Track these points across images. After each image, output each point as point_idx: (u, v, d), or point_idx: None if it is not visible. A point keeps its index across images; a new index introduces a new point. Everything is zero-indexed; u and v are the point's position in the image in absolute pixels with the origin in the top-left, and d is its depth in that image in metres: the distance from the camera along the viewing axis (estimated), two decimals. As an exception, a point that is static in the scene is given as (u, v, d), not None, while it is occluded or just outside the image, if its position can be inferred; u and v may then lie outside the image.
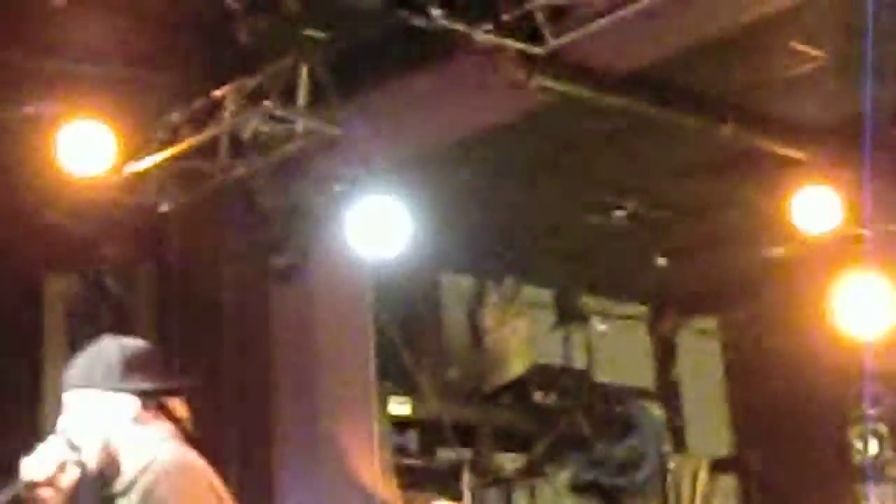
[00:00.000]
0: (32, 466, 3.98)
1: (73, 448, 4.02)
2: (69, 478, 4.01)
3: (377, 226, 7.07)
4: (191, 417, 4.62)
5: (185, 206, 7.14)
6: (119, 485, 4.09)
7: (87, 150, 6.64)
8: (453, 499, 8.01)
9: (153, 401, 4.28)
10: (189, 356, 7.70)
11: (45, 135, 6.61)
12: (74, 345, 7.86)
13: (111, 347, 4.19)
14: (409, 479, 7.89)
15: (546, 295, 9.15)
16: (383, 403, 7.73)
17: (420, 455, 8.12)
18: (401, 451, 7.97)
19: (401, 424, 8.03)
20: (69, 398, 4.07)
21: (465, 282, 8.96)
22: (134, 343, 4.31)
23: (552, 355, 8.98)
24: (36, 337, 7.69)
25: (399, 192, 7.08)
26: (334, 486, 7.12)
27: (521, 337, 8.94)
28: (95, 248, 7.53)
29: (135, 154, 6.82)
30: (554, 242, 8.86)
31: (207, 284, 7.67)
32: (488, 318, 8.93)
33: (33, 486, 3.98)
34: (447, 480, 8.12)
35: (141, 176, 6.93)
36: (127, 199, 7.05)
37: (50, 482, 3.96)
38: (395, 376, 7.93)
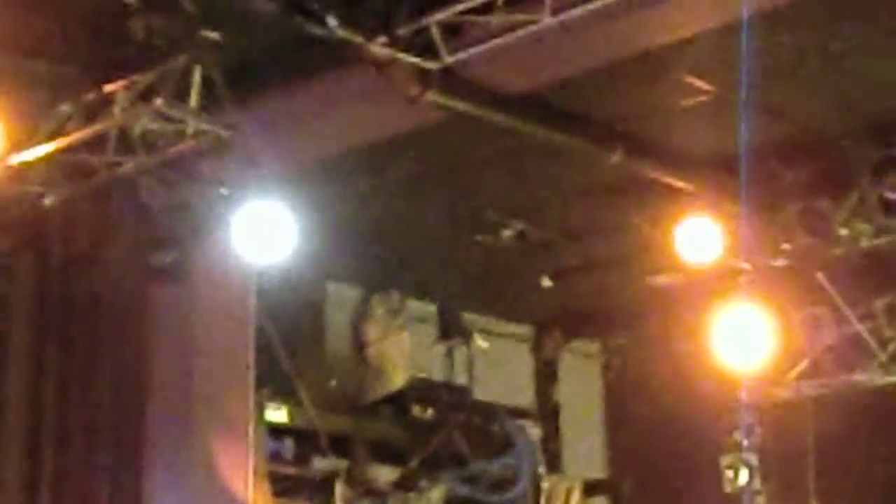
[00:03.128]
0: None
1: None
2: None
3: (263, 231, 7.04)
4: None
5: (70, 199, 7.06)
6: None
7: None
8: (326, 508, 8.01)
9: None
10: (65, 350, 7.64)
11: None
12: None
13: None
14: (283, 486, 7.87)
15: (430, 310, 9.18)
16: (260, 410, 7.70)
17: (295, 463, 8.10)
18: (275, 458, 7.94)
19: (277, 431, 7.99)
20: None
21: (351, 292, 8.96)
22: None
23: (433, 370, 9.01)
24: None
25: (288, 199, 7.06)
26: (205, 490, 7.07)
27: (403, 350, 8.97)
28: (-24, 237, 7.43)
29: (21, 144, 6.74)
30: (441, 258, 8.90)
31: (88, 280, 7.59)
32: (371, 330, 8.94)
33: None
34: (321, 490, 8.11)
35: (26, 167, 6.84)
36: (10, 190, 6.96)
37: None
38: (273, 383, 7.90)
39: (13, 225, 7.42)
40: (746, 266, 7.70)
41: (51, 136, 6.76)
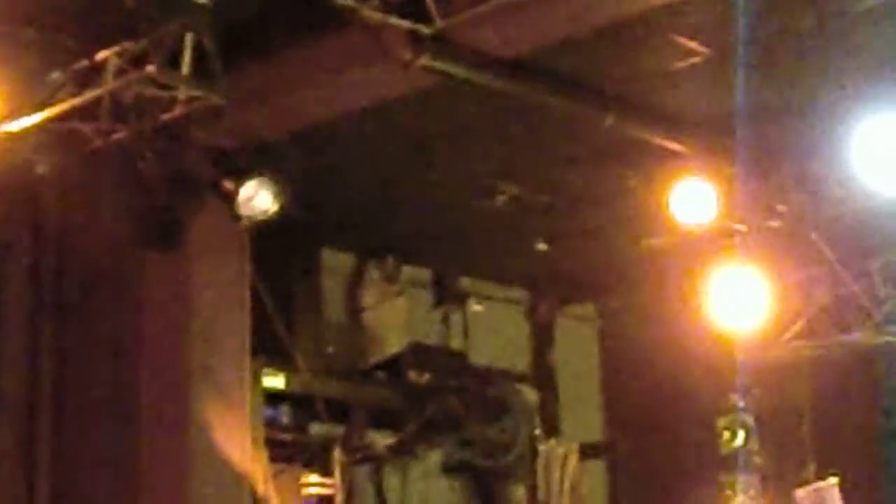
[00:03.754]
0: None
1: None
2: None
3: (258, 198, 7.05)
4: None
5: (63, 168, 7.04)
6: None
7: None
8: (323, 474, 8.02)
9: None
10: (61, 319, 7.63)
11: None
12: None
13: None
14: (280, 452, 7.89)
15: (426, 275, 9.18)
16: (257, 376, 7.69)
17: (292, 429, 8.10)
18: (272, 424, 7.95)
19: (273, 398, 7.99)
20: None
21: (346, 258, 8.95)
22: None
23: (429, 335, 9.02)
24: None
25: (281, 164, 7.06)
26: (203, 457, 7.08)
27: (399, 315, 8.97)
28: (-32, 208, 7.41)
29: (13, 113, 6.71)
30: (436, 223, 8.88)
31: (82, 248, 7.58)
32: (367, 296, 8.93)
33: None
34: (318, 455, 8.13)
35: (18, 136, 6.82)
36: (3, 159, 6.93)
37: None
38: (270, 349, 7.90)
39: (6, 194, 7.41)
40: (741, 227, 7.70)
41: (43, 105, 6.72)
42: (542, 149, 8.10)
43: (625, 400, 10.05)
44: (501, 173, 8.40)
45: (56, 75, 6.70)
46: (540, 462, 9.27)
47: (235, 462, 7.13)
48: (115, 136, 6.82)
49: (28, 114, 6.74)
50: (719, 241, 7.93)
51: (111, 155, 7.01)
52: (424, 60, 6.48)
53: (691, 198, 7.70)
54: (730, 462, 8.42)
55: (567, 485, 9.32)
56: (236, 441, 7.17)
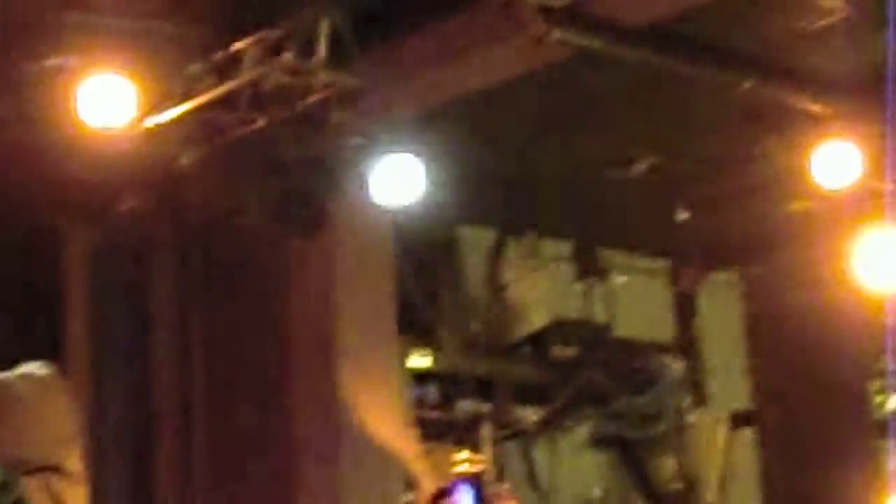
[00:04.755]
0: None
1: None
2: None
3: (397, 178, 7.08)
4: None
5: (205, 158, 7.15)
6: None
7: (107, 102, 6.64)
8: (472, 451, 8.04)
9: None
10: (208, 309, 7.76)
11: (65, 88, 6.62)
12: (95, 298, 7.94)
13: None
14: (429, 431, 7.92)
15: (566, 248, 9.14)
16: (403, 356, 7.74)
17: (439, 407, 8.14)
18: (420, 403, 8.00)
19: (420, 377, 8.04)
20: None
21: (485, 235, 8.95)
22: None
23: (572, 309, 8.97)
24: (57, 290, 7.73)
25: (419, 144, 7.08)
26: (353, 438, 7.15)
27: (541, 291, 8.95)
28: (116, 201, 7.55)
29: (155, 106, 6.82)
30: (575, 196, 8.84)
31: (227, 238, 7.69)
32: (508, 272, 8.93)
33: None
34: (466, 433, 8.15)
35: (161, 128, 6.94)
36: (147, 152, 7.06)
37: None
38: (414, 329, 7.94)
39: (151, 187, 7.54)
40: (890, 187, 7.53)
41: (183, 97, 6.84)
42: (680, 116, 8.02)
43: (772, 367, 9.91)
44: (639, 142, 8.34)
45: (195, 67, 6.80)
46: (689, 433, 9.20)
47: (385, 441, 7.18)
48: (255, 125, 6.91)
49: (169, 107, 6.86)
50: (865, 202, 7.78)
51: (251, 143, 7.10)
52: (557, 34, 6.45)
53: (834, 160, 7.55)
54: (883, 426, 8.28)
55: (717, 454, 9.24)
56: (386, 420, 7.23)
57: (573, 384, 8.56)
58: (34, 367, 4.30)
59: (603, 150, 8.39)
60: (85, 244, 7.85)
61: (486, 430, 8.13)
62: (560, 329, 8.80)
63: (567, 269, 9.12)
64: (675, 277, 9.90)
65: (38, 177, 7.15)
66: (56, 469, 4.28)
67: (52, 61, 6.67)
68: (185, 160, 7.16)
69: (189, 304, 7.87)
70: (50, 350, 7.58)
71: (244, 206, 7.42)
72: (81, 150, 6.96)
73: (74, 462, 4.35)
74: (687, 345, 9.73)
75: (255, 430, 7.52)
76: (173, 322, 7.92)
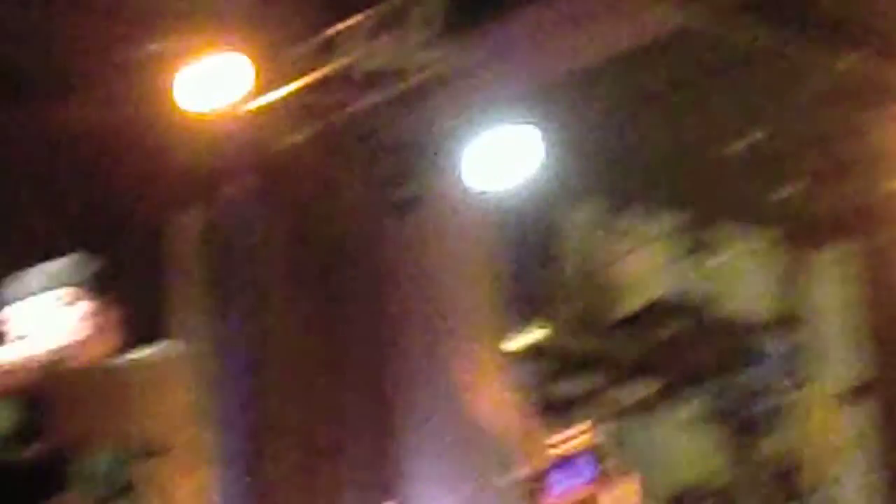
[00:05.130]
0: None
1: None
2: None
3: (499, 156, 7.09)
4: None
5: (307, 140, 7.21)
6: None
7: (208, 87, 6.73)
8: (579, 429, 8.02)
9: None
10: (310, 290, 7.83)
11: (167, 73, 6.71)
12: (203, 280, 8.04)
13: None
14: (535, 409, 7.91)
15: (671, 224, 9.06)
16: (509, 334, 7.74)
17: (546, 385, 8.12)
18: (526, 381, 7.98)
19: (527, 355, 8.03)
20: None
21: (592, 210, 8.90)
22: None
23: (679, 285, 8.90)
24: (160, 274, 7.84)
25: (521, 121, 7.08)
26: (457, 418, 7.18)
27: (648, 266, 8.89)
28: (219, 184, 7.64)
29: (255, 90, 6.89)
30: (682, 171, 8.76)
31: (327, 219, 7.75)
32: (615, 248, 8.87)
33: None
34: (573, 410, 8.13)
35: (262, 112, 7.01)
36: (248, 136, 7.14)
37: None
38: (520, 306, 7.93)
39: (254, 170, 7.62)
40: None
41: (282, 81, 6.90)
42: (787, 90, 7.91)
43: (883, 342, 9.76)
44: (747, 116, 8.24)
45: (296, 50, 6.86)
46: (796, 409, 9.10)
47: (492, 419, 7.20)
48: (354, 107, 6.95)
49: (270, 90, 6.93)
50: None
51: (352, 125, 7.15)
52: (664, 10, 6.41)
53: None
54: None
55: (825, 431, 9.13)
56: (492, 398, 7.25)
57: (680, 361, 8.49)
58: (146, 351, 4.39)
59: (711, 125, 8.31)
60: (192, 227, 7.96)
61: (592, 408, 8.11)
62: (667, 305, 8.73)
63: (675, 245, 9.04)
64: (783, 252, 9.77)
65: (145, 161, 7.25)
66: (165, 455, 4.37)
67: (155, 46, 6.77)
68: (286, 142, 7.23)
69: (294, 285, 7.94)
70: (159, 333, 7.72)
71: (347, 187, 7.47)
72: (187, 133, 7.06)
73: (185, 449, 4.43)
74: (794, 320, 9.61)
75: (360, 408, 7.58)
76: (280, 302, 8.00)
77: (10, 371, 4.13)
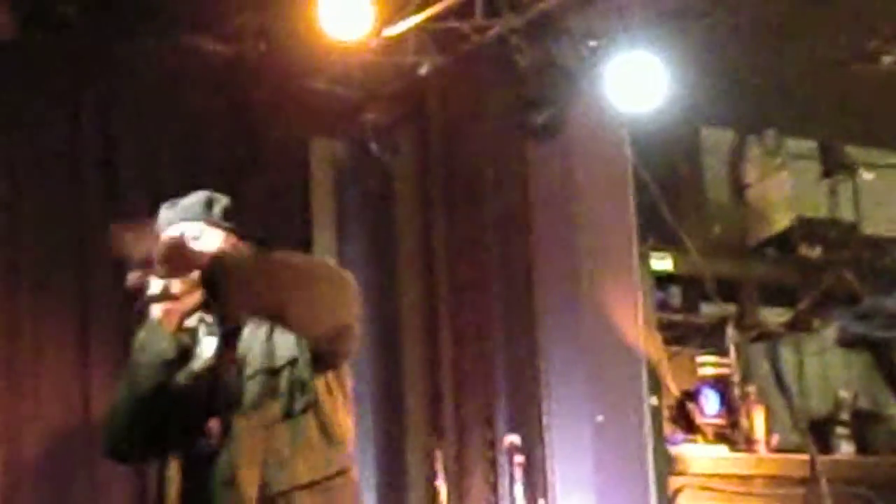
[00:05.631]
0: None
1: None
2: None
3: (635, 81, 7.03)
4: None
5: (444, 67, 7.21)
6: None
7: (347, 14, 6.75)
8: (717, 354, 7.97)
9: None
10: (450, 214, 7.86)
11: (307, 1, 6.74)
12: (341, 208, 8.12)
13: None
14: (673, 334, 7.87)
15: (810, 146, 8.90)
16: (645, 260, 7.69)
17: (683, 311, 8.06)
18: (664, 307, 7.93)
19: (663, 280, 7.96)
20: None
21: (726, 135, 8.78)
22: None
23: (817, 208, 8.75)
24: (304, 201, 7.92)
25: (657, 45, 7.00)
26: (597, 341, 7.17)
27: (785, 190, 8.75)
28: (358, 112, 7.68)
29: (393, 17, 6.90)
30: (818, 92, 8.60)
31: (467, 145, 7.76)
32: (750, 172, 8.76)
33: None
34: (711, 335, 8.06)
35: (400, 38, 7.02)
36: (387, 63, 7.15)
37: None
38: (656, 232, 7.87)
39: (392, 97, 7.64)
40: None
41: (420, 6, 6.90)
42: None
43: None
44: (886, 35, 8.06)
45: (430, -25, 6.85)
46: (943, 331, 8.93)
47: (630, 344, 7.19)
48: (491, 31, 6.93)
49: (407, 16, 6.93)
50: None
51: (488, 50, 7.13)
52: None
53: None
54: None
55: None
56: (630, 324, 7.23)
57: (820, 285, 8.37)
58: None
59: (849, 43, 8.14)
60: (331, 156, 8.02)
61: (730, 333, 8.03)
62: (805, 228, 8.59)
63: (812, 167, 8.88)
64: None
65: (284, 90, 7.31)
66: (333, 367, 4.45)
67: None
68: (423, 70, 7.24)
69: (431, 209, 7.98)
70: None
71: (483, 113, 7.46)
72: (323, 61, 7.10)
73: (346, 370, 4.52)
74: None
75: (498, 336, 7.61)
76: (416, 228, 8.05)
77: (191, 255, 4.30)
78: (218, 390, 4.53)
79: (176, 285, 4.47)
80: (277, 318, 4.31)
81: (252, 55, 7.13)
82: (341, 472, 4.47)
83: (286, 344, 4.46)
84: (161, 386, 4.49)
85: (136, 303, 4.50)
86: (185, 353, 4.63)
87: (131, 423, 4.50)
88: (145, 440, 4.53)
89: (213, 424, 4.48)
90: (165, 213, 4.69)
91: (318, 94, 7.29)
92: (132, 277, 4.34)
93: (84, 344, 7.12)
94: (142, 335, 4.52)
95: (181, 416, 4.53)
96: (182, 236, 4.44)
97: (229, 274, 4.17)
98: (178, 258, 4.24)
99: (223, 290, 4.18)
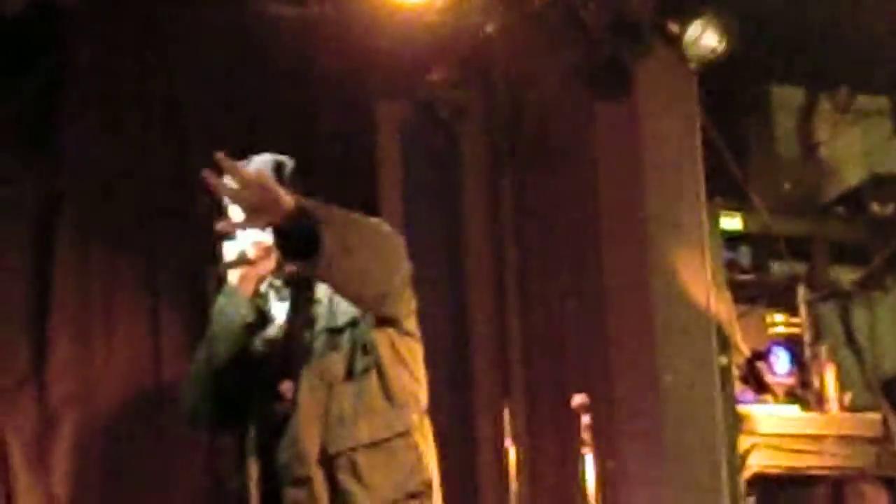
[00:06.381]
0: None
1: None
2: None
3: (704, 37, 6.96)
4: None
5: (510, 26, 7.17)
6: None
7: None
8: (788, 313, 7.91)
9: None
10: (518, 174, 7.84)
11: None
12: (408, 170, 8.11)
13: None
14: (743, 294, 7.81)
15: (882, 103, 8.78)
16: (714, 218, 7.63)
17: (753, 270, 7.98)
18: (733, 266, 7.87)
19: (732, 239, 7.90)
20: None
21: (796, 92, 8.69)
22: None
23: (889, 165, 8.64)
24: (370, 163, 7.92)
25: (725, 1, 6.93)
26: (666, 298, 7.13)
27: (856, 147, 8.65)
28: (424, 73, 7.65)
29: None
30: (890, 49, 8.49)
31: (534, 104, 7.72)
32: (821, 129, 8.66)
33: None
34: (781, 295, 7.99)
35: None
36: (452, 23, 7.12)
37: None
38: (724, 191, 7.81)
39: (458, 58, 7.61)
40: None
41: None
42: None
43: None
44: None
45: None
46: None
47: (700, 304, 7.14)
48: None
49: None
50: None
51: (554, 8, 7.07)
52: None
53: None
54: None
55: None
56: (699, 283, 7.18)
57: (891, 242, 8.27)
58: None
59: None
60: (397, 118, 8.01)
61: (801, 292, 7.96)
62: (877, 186, 8.48)
63: (883, 124, 8.77)
64: None
65: (348, 52, 7.30)
66: (396, 324, 4.46)
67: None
68: (489, 29, 7.20)
69: (498, 172, 7.96)
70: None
71: (550, 72, 7.42)
72: (388, 23, 7.08)
73: (412, 322, 4.51)
74: None
75: (567, 297, 7.59)
76: (483, 190, 8.03)
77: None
78: (291, 353, 4.55)
79: (251, 250, 4.50)
80: (329, 278, 4.26)
81: (318, 18, 7.12)
82: (403, 434, 4.49)
83: (348, 304, 4.47)
84: (240, 351, 4.52)
85: (215, 247, 4.53)
86: (263, 317, 4.66)
87: (212, 389, 4.53)
88: (224, 406, 4.57)
89: (287, 387, 4.51)
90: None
91: (383, 55, 7.26)
92: (222, 225, 4.32)
93: (154, 308, 7.17)
94: (221, 301, 4.55)
95: (257, 381, 4.56)
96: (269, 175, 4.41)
97: (314, 222, 4.12)
98: (266, 195, 4.16)
99: (304, 240, 4.13)
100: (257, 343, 4.65)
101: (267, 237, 4.52)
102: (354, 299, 4.36)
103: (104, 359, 7.07)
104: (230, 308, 4.54)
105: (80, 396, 6.98)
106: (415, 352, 4.62)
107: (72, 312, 7.03)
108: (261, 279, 4.64)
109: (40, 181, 7.11)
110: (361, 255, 4.20)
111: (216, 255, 4.58)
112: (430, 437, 4.68)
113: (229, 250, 4.55)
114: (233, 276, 4.57)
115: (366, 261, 4.23)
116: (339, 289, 4.31)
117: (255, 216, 4.16)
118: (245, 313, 4.55)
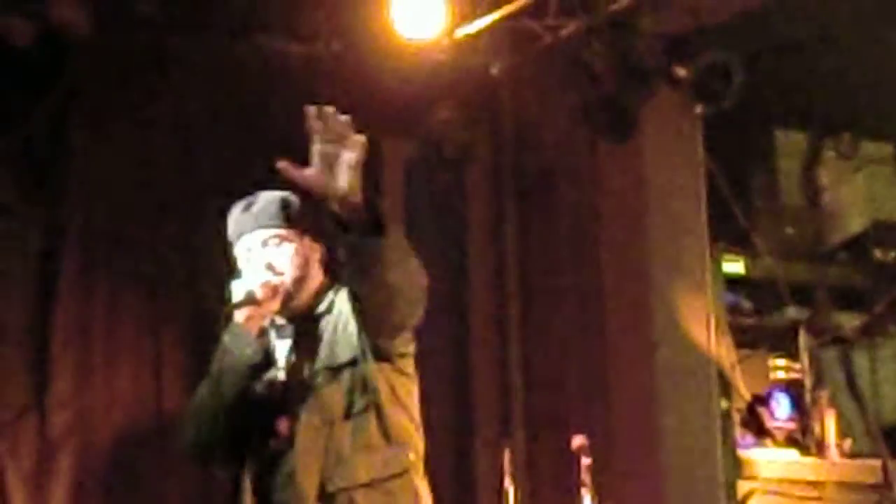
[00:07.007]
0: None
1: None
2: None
3: (708, 81, 6.98)
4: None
5: (516, 67, 7.20)
6: None
7: (420, 14, 6.76)
8: (789, 358, 7.90)
9: None
10: (522, 212, 7.85)
11: (378, 0, 6.76)
12: (412, 207, 8.13)
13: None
14: (744, 338, 7.81)
15: (886, 150, 8.81)
16: (717, 262, 7.64)
17: (755, 314, 7.99)
18: (735, 310, 7.87)
19: (735, 283, 7.91)
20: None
21: (801, 137, 8.71)
22: None
23: (892, 211, 8.66)
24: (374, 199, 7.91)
25: (731, 46, 6.95)
26: (668, 345, 7.13)
27: (860, 193, 8.67)
28: (430, 111, 7.68)
29: (465, 16, 6.90)
30: (894, 95, 8.52)
31: (539, 143, 7.74)
32: (825, 175, 8.68)
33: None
34: (783, 339, 7.99)
35: (472, 38, 7.01)
36: (459, 63, 7.15)
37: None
38: (727, 234, 7.82)
39: (464, 97, 7.64)
40: None
41: (493, 6, 6.90)
42: None
43: None
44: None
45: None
46: None
47: (700, 345, 7.14)
48: (564, 31, 6.91)
49: (479, 16, 6.93)
50: None
51: (560, 50, 7.11)
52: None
53: None
54: None
55: None
56: (700, 325, 7.18)
57: (894, 289, 8.27)
58: None
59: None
60: (400, 155, 8.03)
61: (803, 338, 7.96)
62: (880, 232, 8.50)
63: (887, 171, 8.79)
64: None
65: (356, 90, 7.32)
66: (394, 363, 4.44)
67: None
68: (495, 70, 7.23)
69: (503, 207, 7.98)
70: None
71: (556, 114, 7.44)
72: (395, 61, 7.11)
73: (410, 364, 4.50)
74: None
75: (569, 338, 7.59)
76: (487, 229, 8.05)
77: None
78: (290, 390, 4.55)
79: (259, 290, 4.50)
80: (365, 299, 4.20)
81: (325, 55, 7.15)
82: (401, 474, 4.47)
83: (348, 342, 4.46)
84: (245, 390, 4.51)
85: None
86: (268, 358, 4.65)
87: (214, 425, 4.51)
88: (224, 442, 4.55)
89: (283, 424, 4.50)
90: (239, 217, 4.71)
91: (390, 93, 7.29)
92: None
93: (156, 340, 7.18)
94: (226, 339, 4.52)
95: (257, 419, 4.55)
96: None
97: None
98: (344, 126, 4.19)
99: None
100: (258, 382, 4.64)
101: (274, 278, 4.56)
102: (378, 312, 4.25)
103: (105, 390, 7.07)
104: (235, 348, 4.52)
105: (81, 427, 6.98)
106: (412, 393, 4.61)
107: (73, 344, 7.04)
108: (264, 319, 4.64)
109: (44, 212, 7.13)
110: (407, 274, 4.18)
111: (225, 295, 4.58)
112: (426, 480, 4.65)
113: (237, 290, 4.56)
114: (239, 315, 4.56)
115: (408, 283, 4.20)
116: (376, 289, 4.17)
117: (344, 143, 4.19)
118: (251, 353, 4.54)
